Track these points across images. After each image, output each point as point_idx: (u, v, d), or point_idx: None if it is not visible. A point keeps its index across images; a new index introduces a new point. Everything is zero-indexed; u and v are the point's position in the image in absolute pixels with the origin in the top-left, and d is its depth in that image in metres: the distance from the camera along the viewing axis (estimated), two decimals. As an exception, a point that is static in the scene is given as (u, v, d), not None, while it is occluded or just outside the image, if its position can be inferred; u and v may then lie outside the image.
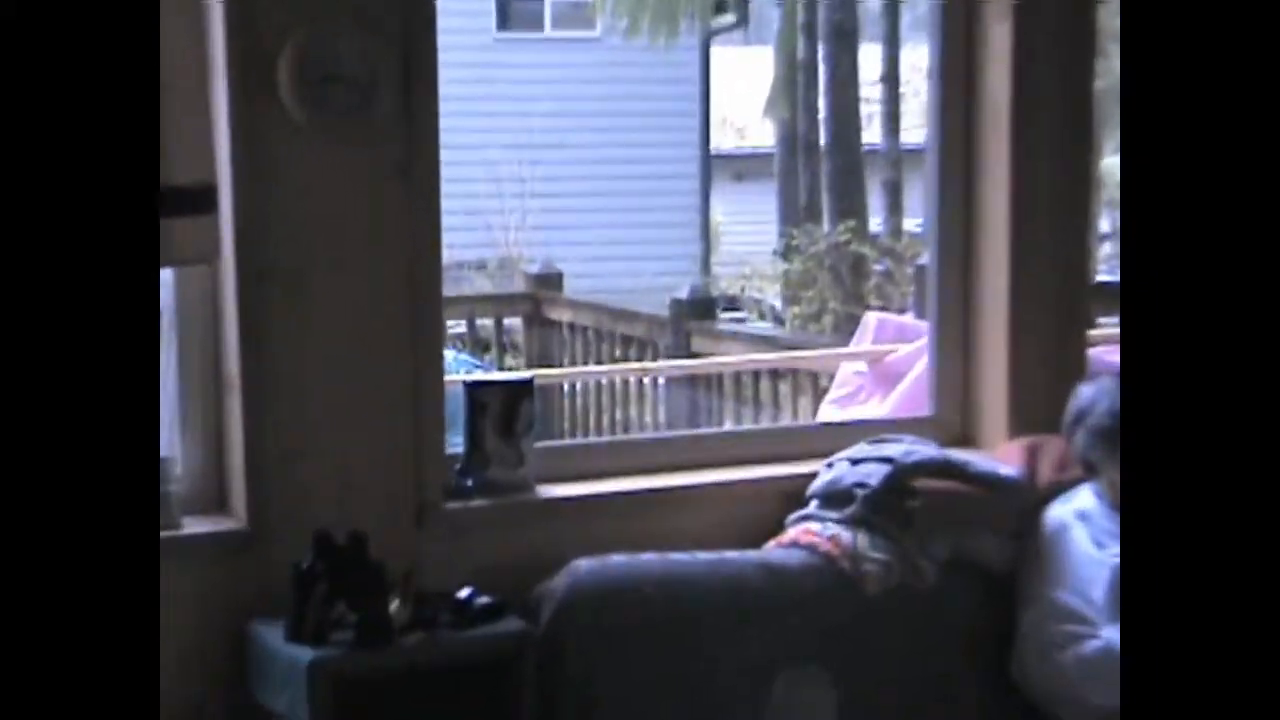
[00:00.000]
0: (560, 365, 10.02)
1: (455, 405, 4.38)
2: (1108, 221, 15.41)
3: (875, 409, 6.62)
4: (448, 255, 4.28)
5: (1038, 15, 4.80)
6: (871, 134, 16.97)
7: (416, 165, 4.13)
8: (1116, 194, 15.48)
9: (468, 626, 3.90)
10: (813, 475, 4.58)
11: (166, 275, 4.09)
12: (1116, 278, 11.07)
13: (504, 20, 17.57)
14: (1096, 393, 4.49)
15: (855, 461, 4.54)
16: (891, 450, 4.56)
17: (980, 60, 4.91)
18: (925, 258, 5.13)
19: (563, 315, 10.53)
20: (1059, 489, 4.54)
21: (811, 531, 4.42)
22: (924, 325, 5.57)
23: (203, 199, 3.59)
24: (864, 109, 16.75)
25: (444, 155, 4.20)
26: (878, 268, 14.40)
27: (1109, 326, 6.63)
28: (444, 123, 4.19)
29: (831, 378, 7.79)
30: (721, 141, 18.62)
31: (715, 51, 18.19)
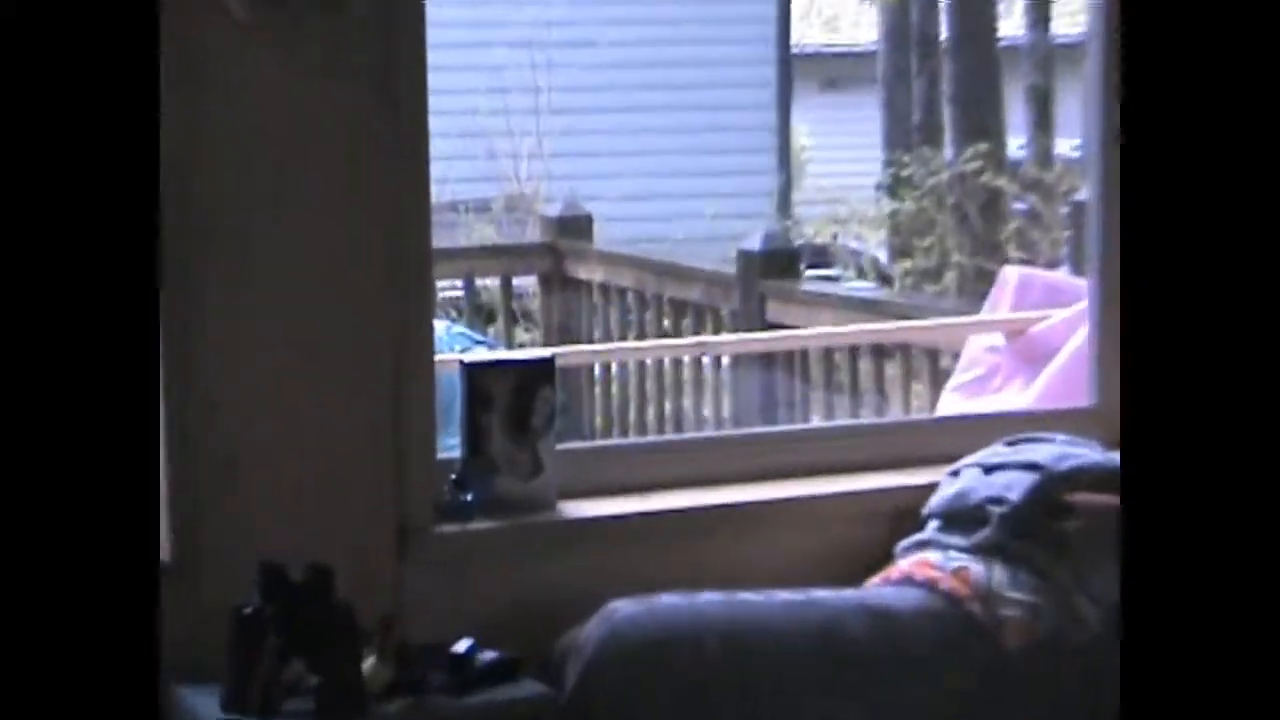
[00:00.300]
0: (590, 340, 9.98)
1: (450, 394, 4.38)
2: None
3: (1016, 398, 6.67)
4: (439, 194, 4.29)
5: None
6: (1011, 25, 16.99)
7: (398, 76, 4.17)
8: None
9: (468, 691, 3.92)
10: (932, 488, 4.64)
11: None
12: None
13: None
14: None
15: (989, 469, 4.59)
16: (1039, 454, 4.59)
17: None
18: (1084, 192, 5.11)
19: (593, 273, 10.48)
20: None
21: (930, 564, 4.45)
22: (1082, 284, 5.62)
23: None
24: (993, -1, 16.90)
25: (433, 61, 4.19)
26: (1019, 206, 14.35)
27: None
28: (432, 18, 4.18)
29: (956, 356, 7.82)
30: (806, 36, 18.65)
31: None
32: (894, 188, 15.93)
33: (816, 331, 8.82)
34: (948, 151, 15.74)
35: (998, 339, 7.46)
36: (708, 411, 8.92)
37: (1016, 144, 16.54)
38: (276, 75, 4.06)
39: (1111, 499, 4.39)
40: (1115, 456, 4.61)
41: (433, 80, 4.23)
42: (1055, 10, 16.51)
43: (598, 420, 9.07)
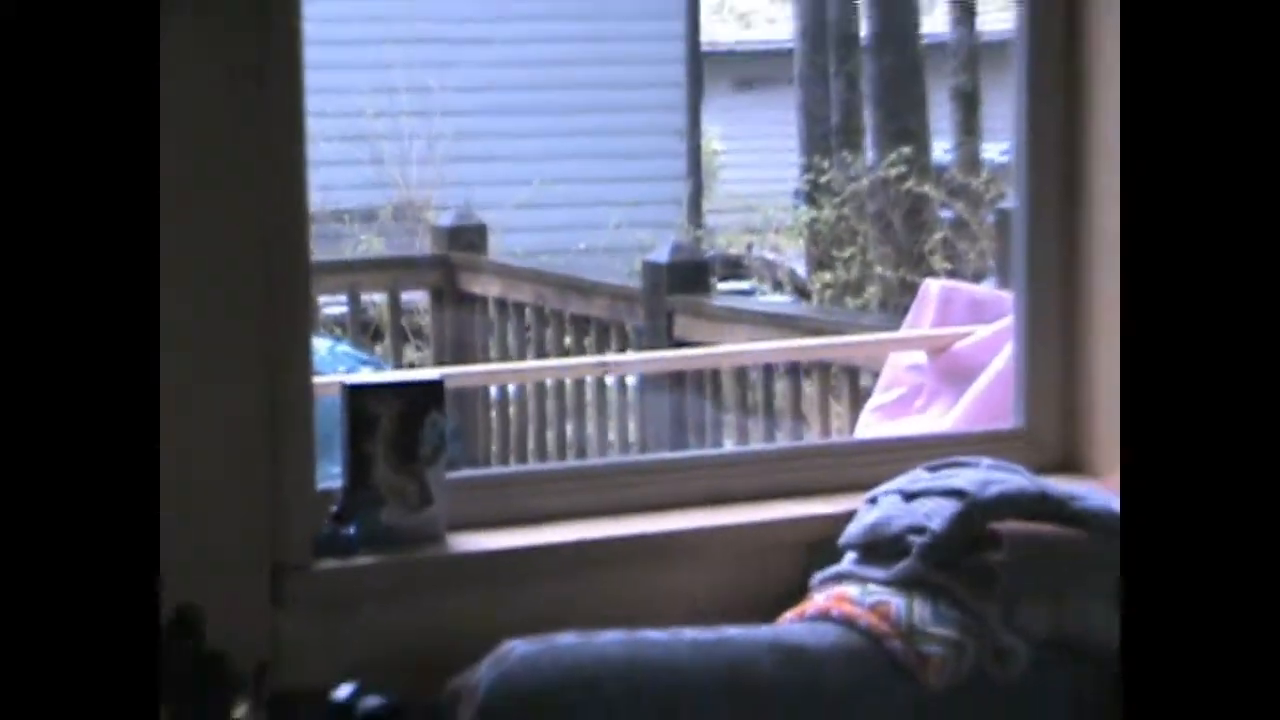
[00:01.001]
0: (485, 359, 10.01)
1: (331, 419, 4.39)
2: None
3: (939, 419, 6.72)
4: (320, 201, 4.21)
5: None
6: (934, 21, 17.13)
7: (271, 68, 4.14)
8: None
9: None
10: (849, 516, 4.58)
11: None
12: None
13: None
14: None
15: (910, 496, 4.54)
16: (963, 480, 4.57)
17: None
18: (1011, 199, 5.13)
19: (488, 288, 10.54)
20: None
21: (848, 598, 4.41)
22: (1008, 298, 5.62)
23: None
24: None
25: (311, 55, 4.22)
26: (944, 214, 14.44)
27: None
28: (311, 11, 4.21)
29: (876, 374, 7.88)
30: (718, 34, 18.78)
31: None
32: (812, 195, 16.04)
33: (729, 349, 8.89)
34: (869, 156, 15.87)
35: (920, 356, 7.52)
36: (612, 436, 9.00)
37: (942, 148, 16.69)
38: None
39: (1040, 528, 4.55)
40: (1044, 482, 4.66)
41: (311, 78, 4.23)
42: (981, 6, 16.68)
43: (493, 446, 9.11)
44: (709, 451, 7.49)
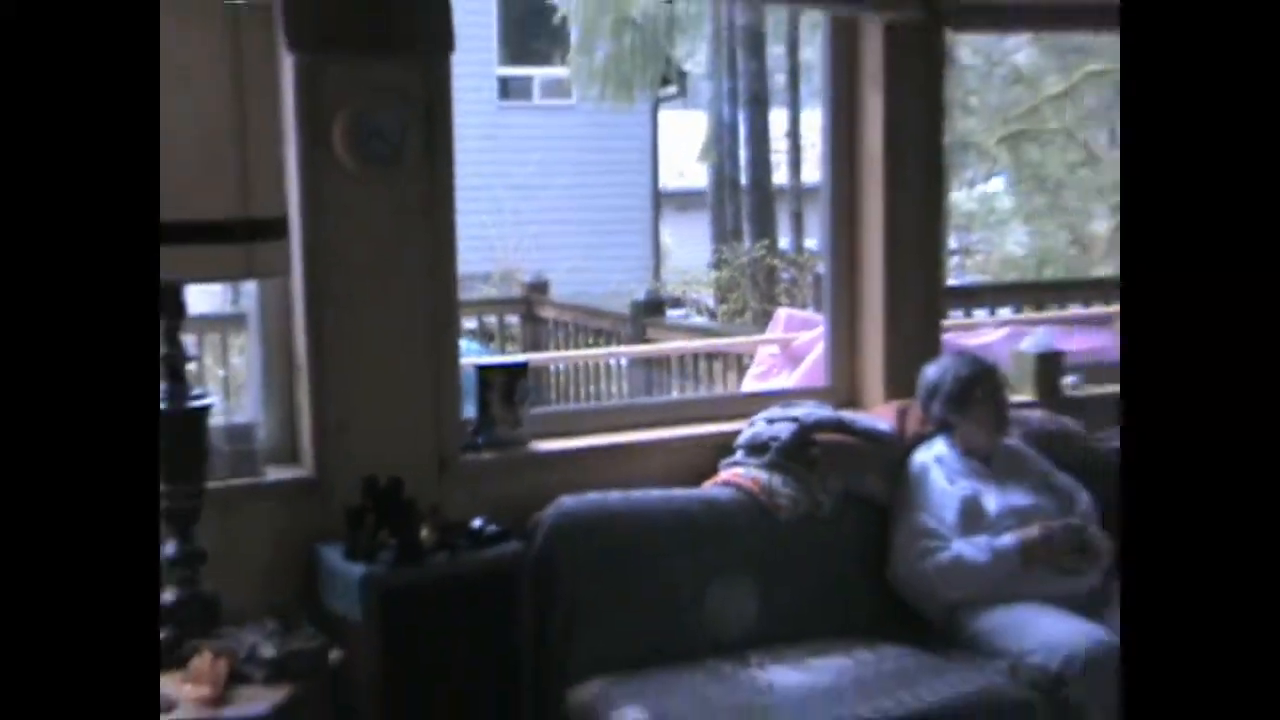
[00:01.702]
0: (548, 350, 9.90)
1: (469, 382, 4.42)
2: (954, 240, 15.73)
3: (785, 381, 6.73)
4: (461, 269, 4.33)
5: (902, 88, 4.91)
6: (779, 176, 17.15)
7: (436, 202, 4.18)
8: (958, 220, 15.70)
9: (479, 548, 3.94)
10: (738, 432, 4.66)
11: (250, 286, 4.22)
12: (962, 282, 11.10)
13: (504, 92, 17.67)
14: (942, 370, 4.66)
15: (771, 421, 4.64)
16: (797, 412, 4.68)
17: (859, 120, 5.00)
18: (821, 268, 5.39)
19: (549, 313, 10.36)
20: (920, 439, 4.67)
21: (738, 474, 4.54)
22: (820, 318, 5.65)
23: (277, 227, 3.53)
24: (773, 158, 16.96)
25: (459, 193, 4.24)
26: (785, 275, 14.47)
27: (956, 319, 6.80)
28: (459, 169, 4.23)
29: (752, 358, 7.91)
30: (668, 182, 18.71)
31: (662, 114, 18.35)
32: (718, 264, 15.85)
33: (675, 345, 8.78)
34: (746, 244, 15.75)
35: (775, 349, 7.68)
36: (614, 390, 8.94)
37: (784, 241, 16.57)
38: (367, 199, 4.06)
39: (838, 436, 4.61)
40: (840, 413, 4.74)
41: (458, 204, 4.25)
42: (804, 169, 16.56)
43: (553, 395, 8.91)
44: (664, 399, 7.35)
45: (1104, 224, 14.95)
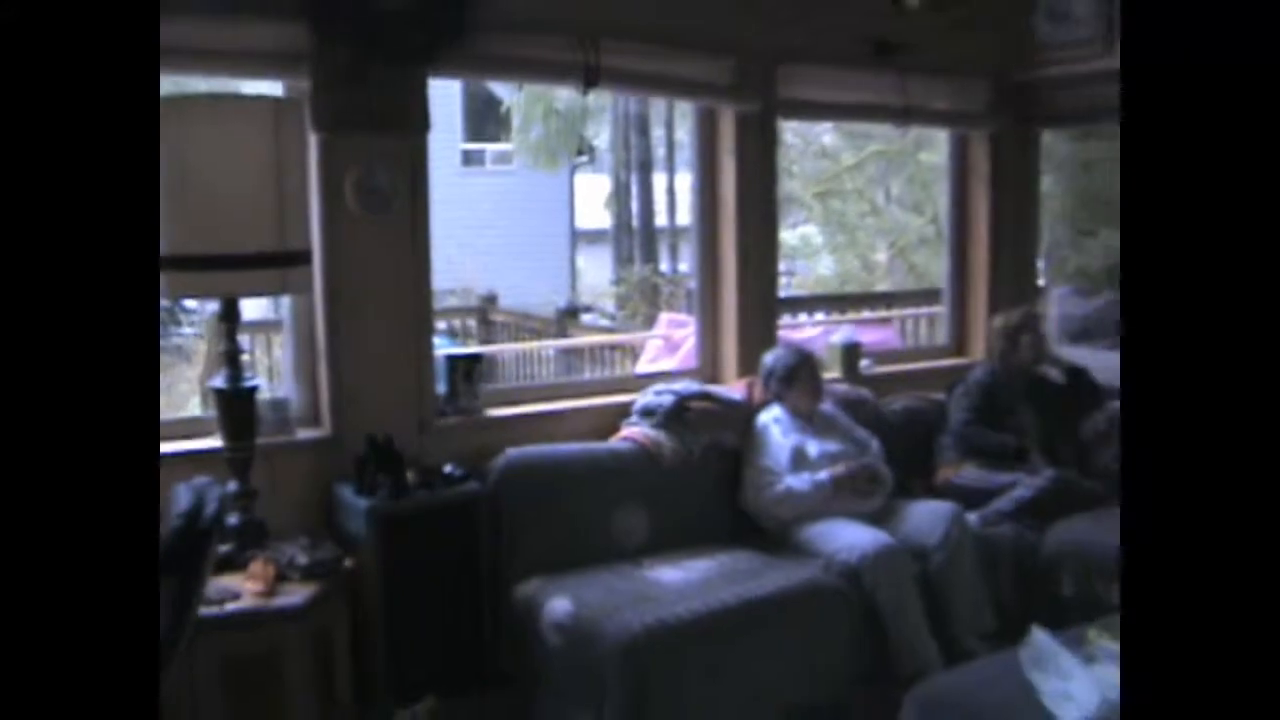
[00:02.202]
0: (497, 344, 9.73)
1: (441, 367, 4.34)
2: (783, 265, 15.63)
3: (667, 364, 6.64)
4: (434, 286, 4.24)
5: (747, 158, 4.90)
6: (661, 219, 17.25)
7: (417, 238, 4.10)
8: (785, 251, 15.68)
9: (450, 486, 3.90)
10: (634, 402, 4.60)
11: (286, 299, 4.13)
12: (789, 295, 11.22)
13: (466, 161, 17.62)
14: (776, 357, 4.67)
15: (658, 393, 4.59)
16: (677, 386, 4.65)
17: (718, 180, 4.98)
18: (692, 284, 5.37)
19: (497, 317, 10.24)
20: (763, 406, 4.66)
21: (634, 432, 4.49)
22: (692, 319, 5.59)
23: (304, 257, 3.51)
24: (656, 206, 17.07)
25: (433, 232, 4.16)
26: (665, 290, 14.56)
27: (787, 321, 6.80)
28: (433, 215, 4.14)
29: (643, 349, 7.99)
30: (582, 223, 18.74)
31: (578, 176, 18.42)
32: (617, 282, 15.95)
33: (589, 340, 8.85)
34: (638, 268, 15.81)
35: (659, 342, 7.71)
36: (545, 373, 8.78)
37: (664, 266, 16.65)
38: (368, 237, 3.98)
39: (704, 404, 4.56)
40: (707, 387, 4.68)
41: (433, 240, 4.17)
42: (678, 215, 16.66)
43: (501, 376, 9.01)
44: (581, 378, 7.02)
45: (883, 255, 15.15)
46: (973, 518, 4.53)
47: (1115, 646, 2.81)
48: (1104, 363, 5.62)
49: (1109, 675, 2.65)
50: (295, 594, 3.40)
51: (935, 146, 11.65)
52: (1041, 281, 6.41)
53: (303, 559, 3.54)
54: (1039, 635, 2.91)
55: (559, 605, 3.76)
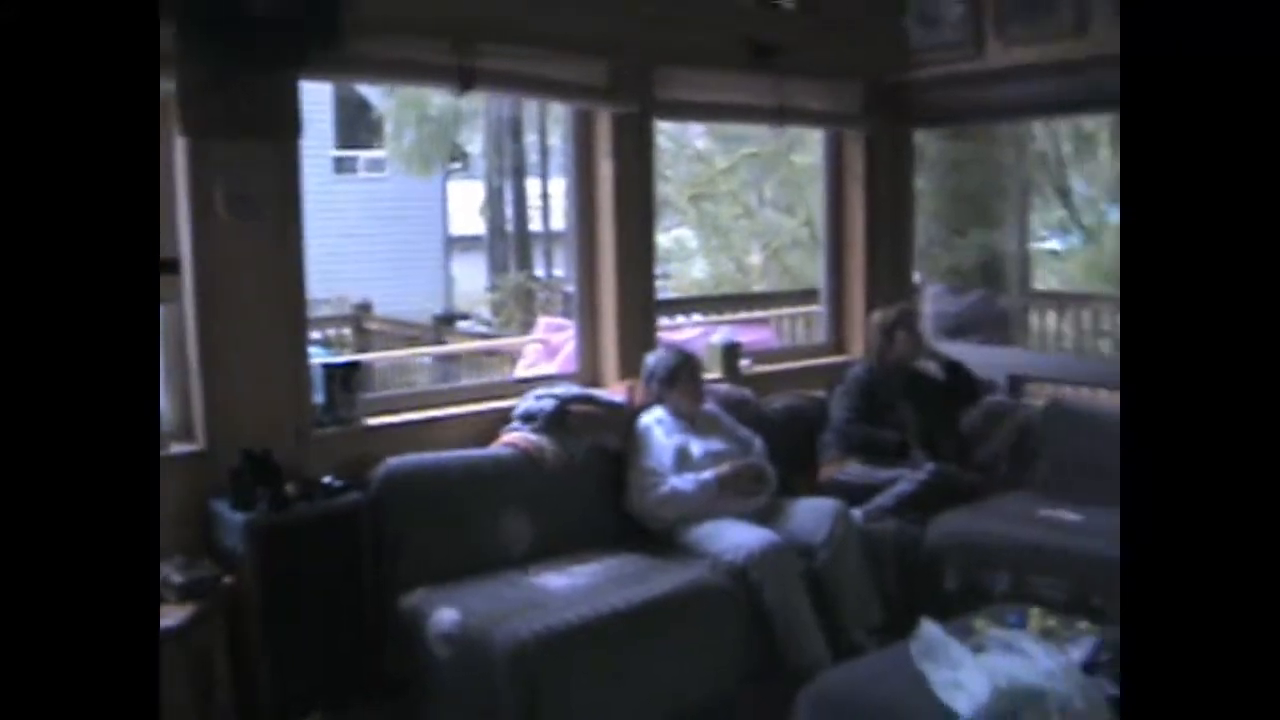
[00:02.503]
0: (373, 352, 9.48)
1: (318, 376, 4.28)
2: (660, 268, 15.71)
3: (547, 369, 6.55)
4: (309, 293, 4.17)
5: (623, 161, 4.90)
6: (536, 225, 17.28)
7: (289, 246, 4.04)
8: (661, 254, 15.86)
9: (330, 498, 3.86)
10: (514, 406, 4.57)
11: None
12: (667, 297, 11.30)
13: (338, 168, 17.48)
14: (657, 358, 4.70)
15: (538, 398, 4.57)
16: (557, 390, 4.64)
17: (595, 184, 4.97)
18: (569, 288, 5.36)
19: (373, 325, 10.13)
20: (645, 407, 4.67)
21: (515, 437, 4.45)
22: (570, 323, 5.61)
23: (171, 265, 3.53)
24: (531, 212, 17.10)
25: (306, 240, 4.09)
26: (542, 295, 14.58)
27: (666, 323, 6.84)
28: (306, 222, 4.07)
29: (521, 354, 8.00)
30: (456, 230, 18.69)
31: (452, 183, 18.36)
32: (493, 289, 15.91)
33: (464, 346, 8.85)
34: (513, 273, 15.82)
35: (539, 346, 7.67)
36: (423, 380, 8.69)
37: (540, 271, 16.69)
38: (240, 243, 3.89)
39: (586, 407, 4.55)
40: (588, 390, 4.69)
41: (307, 246, 4.09)
42: (553, 220, 16.73)
43: (378, 384, 8.87)
44: (459, 384, 7.22)
45: (757, 257, 15.29)
46: (857, 514, 4.59)
47: (1004, 635, 2.88)
48: (978, 357, 5.74)
49: (1000, 664, 2.69)
50: (172, 615, 3.33)
51: (808, 148, 11.80)
52: (917, 279, 6.52)
53: (178, 578, 3.47)
54: (928, 627, 2.97)
55: (446, 615, 3.71)
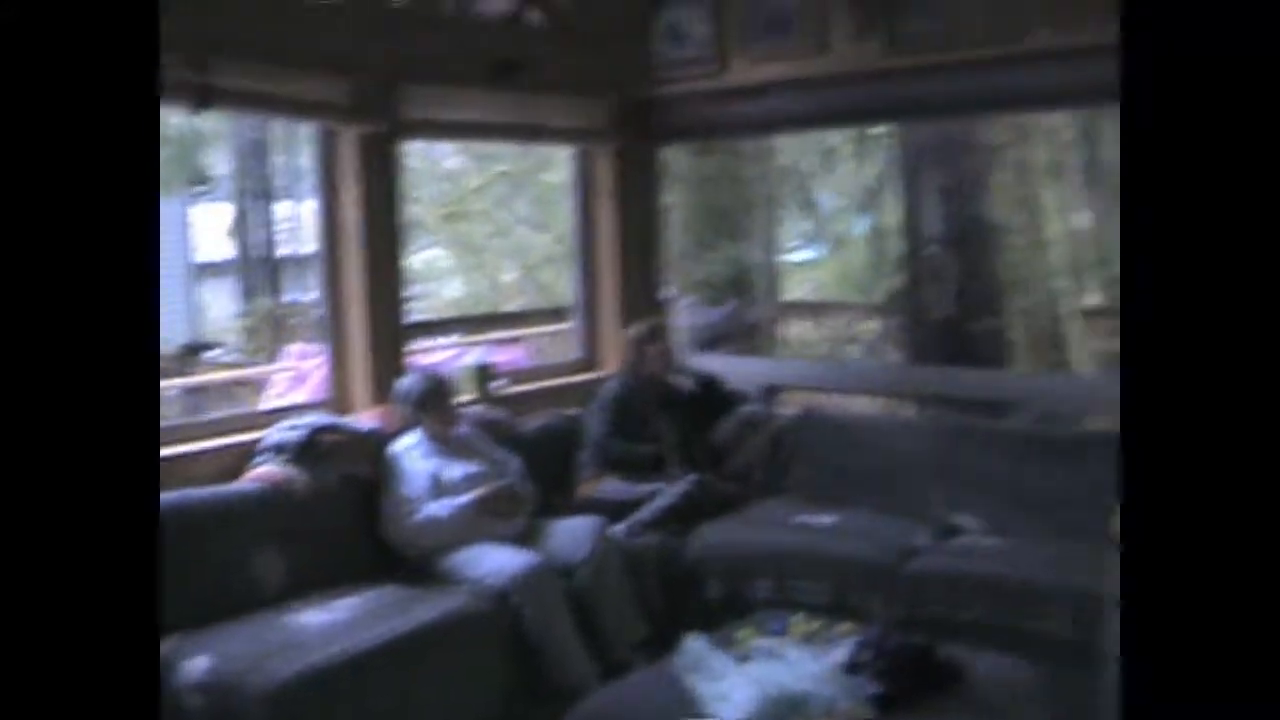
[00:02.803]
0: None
1: None
2: (412, 289, 15.56)
3: (298, 397, 6.54)
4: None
5: (370, 177, 4.80)
6: (287, 249, 16.96)
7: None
8: (412, 275, 15.68)
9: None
10: (259, 439, 4.42)
11: None
12: (419, 319, 11.12)
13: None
14: (409, 383, 4.65)
15: (289, 428, 4.46)
16: (308, 419, 4.54)
17: (341, 205, 4.85)
18: (321, 314, 5.23)
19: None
20: (399, 433, 4.60)
21: (263, 471, 4.32)
22: (321, 349, 5.43)
23: None
24: (281, 236, 16.74)
25: None
26: (294, 321, 14.22)
27: (418, 345, 6.78)
28: None
29: (271, 383, 7.78)
30: (204, 255, 18.17)
31: (198, 206, 17.89)
32: (245, 315, 15.34)
33: (211, 378, 8.50)
34: (265, 301, 15.42)
35: (289, 374, 7.51)
36: (168, 414, 8.40)
37: (293, 296, 16.39)
38: None
39: (337, 436, 4.44)
40: (337, 419, 4.58)
41: None
42: (302, 244, 16.47)
43: None
44: (207, 418, 6.94)
45: (512, 275, 15.35)
46: (617, 530, 4.61)
47: (769, 643, 2.93)
48: (734, 368, 5.87)
49: (763, 672, 2.74)
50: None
51: (558, 165, 11.87)
52: (672, 293, 6.61)
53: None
54: (691, 641, 2.99)
55: (198, 663, 3.56)
